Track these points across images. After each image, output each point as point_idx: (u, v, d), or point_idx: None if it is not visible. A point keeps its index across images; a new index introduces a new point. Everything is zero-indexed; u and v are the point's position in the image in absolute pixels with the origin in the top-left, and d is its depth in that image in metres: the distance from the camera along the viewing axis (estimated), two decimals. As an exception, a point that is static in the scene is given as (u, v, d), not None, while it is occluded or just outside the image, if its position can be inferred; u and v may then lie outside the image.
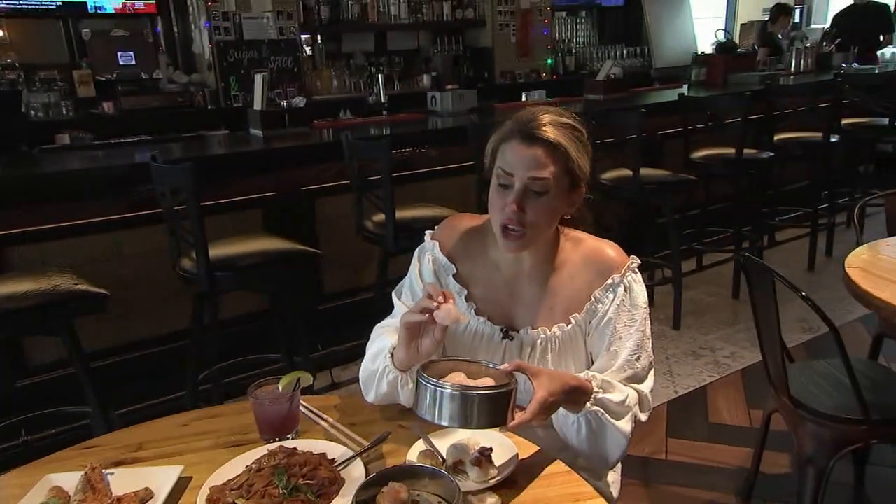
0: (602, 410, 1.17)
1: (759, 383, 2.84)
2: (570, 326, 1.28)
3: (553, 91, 5.02)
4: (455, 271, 1.35)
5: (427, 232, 1.41)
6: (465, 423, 1.01)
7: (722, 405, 2.73)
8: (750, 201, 4.07)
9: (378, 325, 1.37)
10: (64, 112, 4.48)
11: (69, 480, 1.07)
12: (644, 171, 3.29)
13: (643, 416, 1.24)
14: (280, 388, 1.22)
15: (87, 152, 3.52)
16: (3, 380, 2.59)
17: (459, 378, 1.08)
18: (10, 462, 1.19)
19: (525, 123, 1.21)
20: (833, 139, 4.06)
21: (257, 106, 3.35)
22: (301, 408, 1.29)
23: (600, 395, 1.17)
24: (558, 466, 1.10)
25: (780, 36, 6.59)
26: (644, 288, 1.30)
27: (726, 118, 3.82)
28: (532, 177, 1.20)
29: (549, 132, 1.19)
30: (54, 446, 1.24)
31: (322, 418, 1.28)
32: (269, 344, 2.68)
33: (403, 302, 1.37)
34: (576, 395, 1.15)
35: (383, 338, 1.29)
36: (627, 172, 3.30)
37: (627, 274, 1.27)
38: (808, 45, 5.86)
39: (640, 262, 1.31)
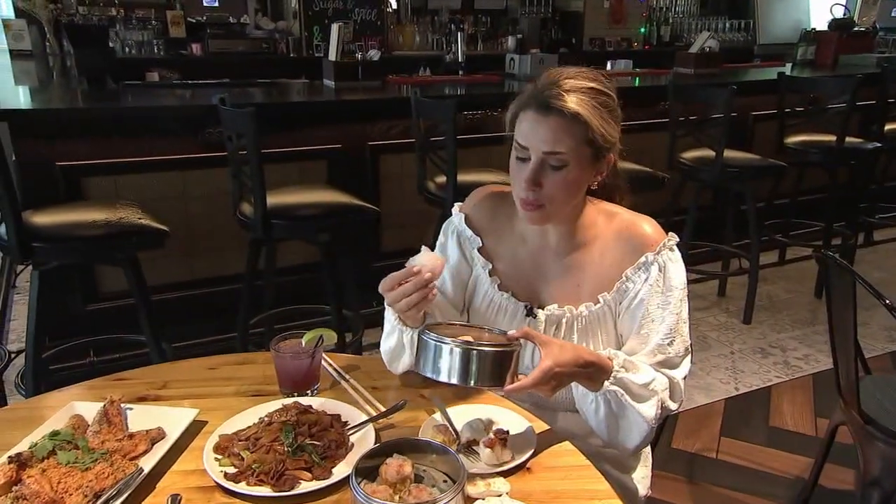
0: (622, 391, 1.10)
1: (831, 390, 2.64)
2: (598, 306, 1.20)
3: (641, 62, 4.78)
4: (480, 244, 1.29)
5: (456, 204, 1.36)
6: (464, 380, 0.98)
7: (786, 409, 2.56)
8: (847, 195, 3.75)
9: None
10: (155, 51, 4.63)
11: (91, 410, 1.09)
12: (729, 153, 3.09)
13: (673, 405, 1.16)
14: (303, 343, 1.20)
15: (168, 91, 3.61)
16: (76, 302, 2.73)
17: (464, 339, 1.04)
18: (79, 379, 1.24)
19: (542, 91, 1.12)
20: (953, 134, 3.66)
21: (332, 57, 3.32)
22: (325, 366, 1.27)
23: (621, 375, 1.10)
24: (577, 459, 1.03)
25: None
26: (682, 267, 1.20)
27: (830, 102, 3.51)
28: (548, 151, 1.11)
29: (568, 101, 1.09)
30: (116, 369, 1.28)
31: (345, 378, 1.26)
32: (320, 296, 2.69)
33: None
34: (593, 372, 1.08)
35: (388, 316, 1.25)
36: (710, 154, 3.10)
37: (663, 252, 1.18)
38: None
39: (678, 239, 1.22)
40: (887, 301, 1.49)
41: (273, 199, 2.28)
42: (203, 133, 2.71)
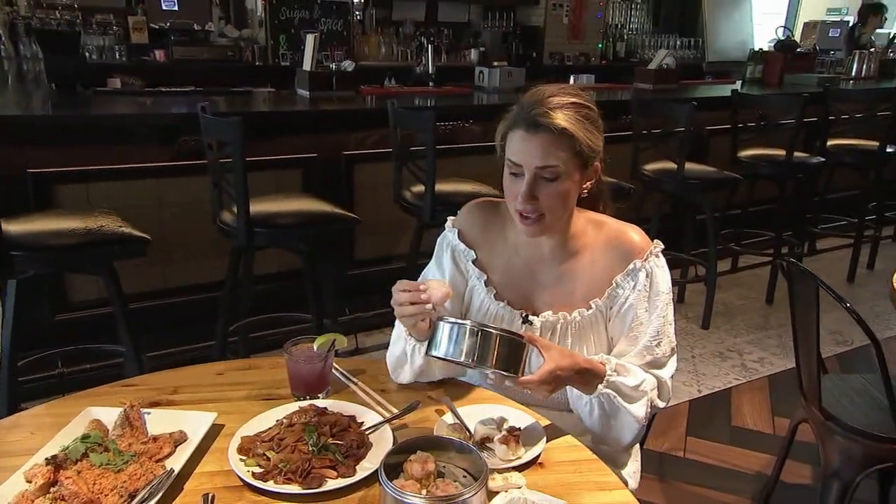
0: (615, 393, 1.17)
1: (786, 391, 2.81)
2: (590, 311, 1.27)
3: (602, 76, 4.94)
4: (475, 257, 1.35)
5: (449, 218, 1.41)
6: (481, 361, 1.04)
7: (746, 409, 2.70)
8: (794, 206, 3.97)
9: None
10: (117, 56, 4.54)
11: (109, 415, 1.10)
12: (688, 165, 3.23)
13: (661, 403, 1.24)
14: (315, 348, 1.23)
15: (138, 98, 3.56)
16: (44, 312, 2.66)
17: None
18: (47, 391, 1.23)
19: (529, 110, 1.19)
20: (889, 149, 3.92)
21: (307, 66, 3.35)
22: (334, 370, 1.30)
23: (613, 378, 1.18)
24: (585, 454, 1.10)
25: (872, 38, 6.22)
26: (667, 273, 1.28)
27: (779, 119, 3.72)
28: (539, 166, 1.18)
29: (555, 118, 1.16)
30: (87, 381, 1.28)
31: (353, 382, 1.29)
32: (300, 303, 2.71)
33: None
34: (588, 377, 1.16)
35: (395, 329, 1.29)
36: (671, 166, 3.24)
37: (650, 259, 1.26)
38: (871, 49, 5.64)
39: (663, 246, 1.29)
40: (848, 304, 1.62)
41: (255, 208, 2.30)
42: (179, 141, 2.70)
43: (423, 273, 1.41)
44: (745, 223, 4.05)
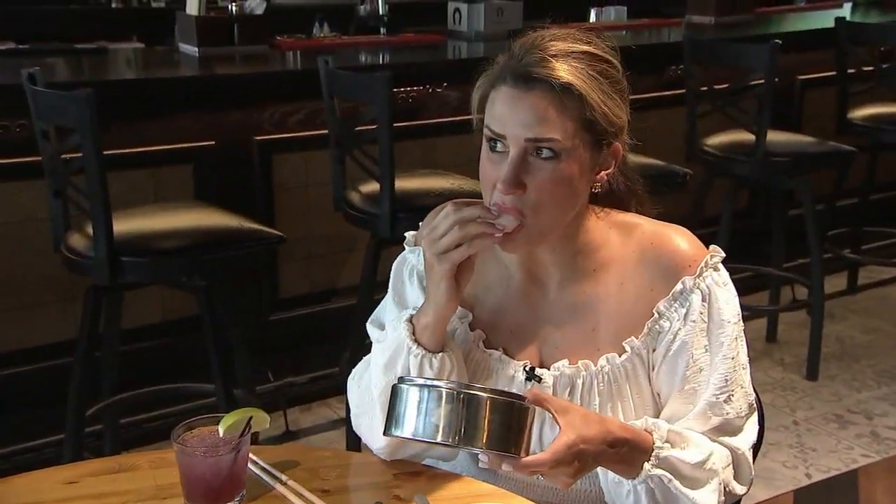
0: (669, 475, 1.17)
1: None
2: (624, 356, 1.28)
3: (638, 7, 4.99)
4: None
5: (408, 234, 1.40)
6: (466, 440, 1.04)
7: (882, 500, 2.72)
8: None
9: (354, 371, 1.39)
10: None
11: None
12: (773, 135, 3.27)
13: (740, 488, 1.25)
14: (221, 433, 1.23)
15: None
16: None
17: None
18: None
19: (520, 58, 1.19)
20: None
21: (192, 10, 3.36)
22: (250, 465, 1.30)
23: (665, 453, 1.18)
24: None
25: None
26: (733, 292, 1.29)
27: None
28: (531, 138, 1.17)
29: (556, 68, 1.16)
30: None
31: (281, 480, 1.29)
32: (196, 369, 2.69)
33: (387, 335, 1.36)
34: (627, 452, 1.16)
35: (384, 343, 1.30)
36: (747, 137, 3.28)
37: (705, 273, 1.26)
38: None
39: (723, 254, 1.30)
40: None
41: (122, 226, 2.30)
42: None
43: (374, 315, 1.41)
44: (866, 219, 4.11)
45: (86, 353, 2.43)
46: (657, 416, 1.28)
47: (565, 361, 1.30)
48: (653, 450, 1.17)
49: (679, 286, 1.26)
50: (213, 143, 3.02)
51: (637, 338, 1.27)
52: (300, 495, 1.26)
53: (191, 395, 2.71)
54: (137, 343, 2.87)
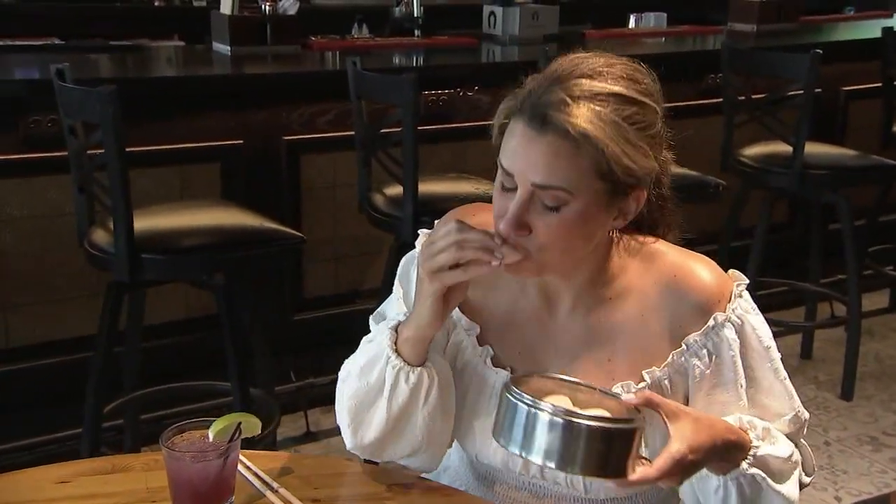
0: (763, 474, 1.17)
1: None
2: (641, 384, 1.25)
3: (679, 13, 4.94)
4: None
5: (421, 231, 1.38)
6: (564, 465, 1.04)
7: (911, 525, 2.66)
8: None
9: (348, 360, 1.36)
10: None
11: None
12: (812, 147, 3.22)
13: (807, 478, 1.28)
14: (210, 437, 1.21)
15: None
16: None
17: (563, 403, 1.09)
18: None
19: (541, 94, 1.13)
20: None
21: (226, 9, 3.38)
22: (241, 470, 1.29)
23: (762, 452, 1.17)
24: None
25: None
26: (761, 316, 1.28)
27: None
28: (538, 183, 1.13)
29: (575, 114, 1.10)
30: None
31: (272, 488, 1.28)
32: (219, 367, 2.70)
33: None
34: (727, 452, 1.15)
35: (381, 335, 1.27)
36: (785, 148, 3.23)
37: (733, 305, 1.25)
38: None
39: (746, 280, 1.29)
40: None
41: (143, 223, 2.30)
42: (25, 123, 2.71)
43: (379, 309, 1.41)
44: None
45: (105, 348, 2.44)
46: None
47: None
48: (750, 448, 1.17)
49: (711, 322, 1.24)
50: (241, 142, 3.03)
51: (658, 369, 1.26)
52: (289, 502, 1.24)
53: (210, 393, 2.72)
54: (160, 339, 2.88)
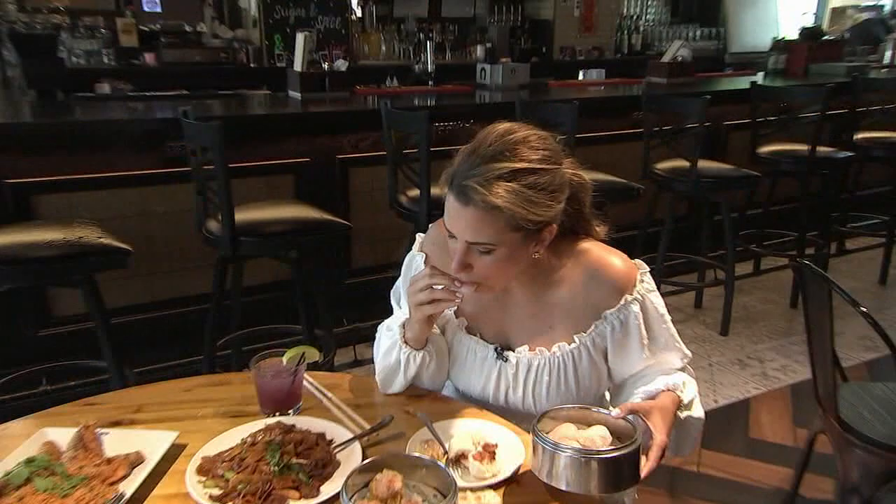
0: (689, 413, 1.20)
1: (808, 401, 2.74)
2: (572, 346, 1.24)
3: (613, 71, 4.92)
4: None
5: (418, 236, 1.38)
6: (588, 489, 0.97)
7: (765, 420, 2.66)
8: (819, 204, 3.91)
9: (381, 325, 1.36)
10: (105, 60, 4.59)
11: (64, 436, 1.10)
12: (703, 163, 3.21)
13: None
14: (284, 362, 1.23)
15: (123, 103, 3.61)
16: (26, 328, 2.69)
17: (569, 432, 1.04)
18: (31, 409, 1.24)
19: (462, 176, 1.08)
20: (923, 142, 3.86)
21: (298, 67, 3.37)
22: (307, 384, 1.30)
23: (685, 401, 1.19)
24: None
25: None
26: (658, 295, 1.26)
27: (801, 112, 3.67)
28: (470, 241, 1.11)
29: (487, 194, 1.06)
30: (72, 398, 1.28)
31: (327, 396, 1.29)
32: (293, 315, 2.71)
33: (402, 307, 1.36)
34: (673, 414, 1.16)
35: (392, 330, 1.29)
36: (684, 164, 3.21)
37: (639, 288, 1.23)
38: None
39: (647, 268, 1.26)
40: (863, 308, 1.59)
41: (241, 216, 2.31)
42: (164, 147, 2.72)
43: (393, 288, 1.40)
44: (768, 223, 4.01)
45: (217, 302, 2.46)
46: (601, 385, 1.29)
47: (526, 347, 1.27)
48: (681, 403, 1.18)
49: (622, 301, 1.22)
50: (309, 159, 3.03)
51: (585, 334, 1.24)
52: (339, 406, 1.26)
53: (288, 333, 2.73)
54: (254, 296, 2.89)
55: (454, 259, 1.14)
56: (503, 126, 1.13)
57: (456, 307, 1.22)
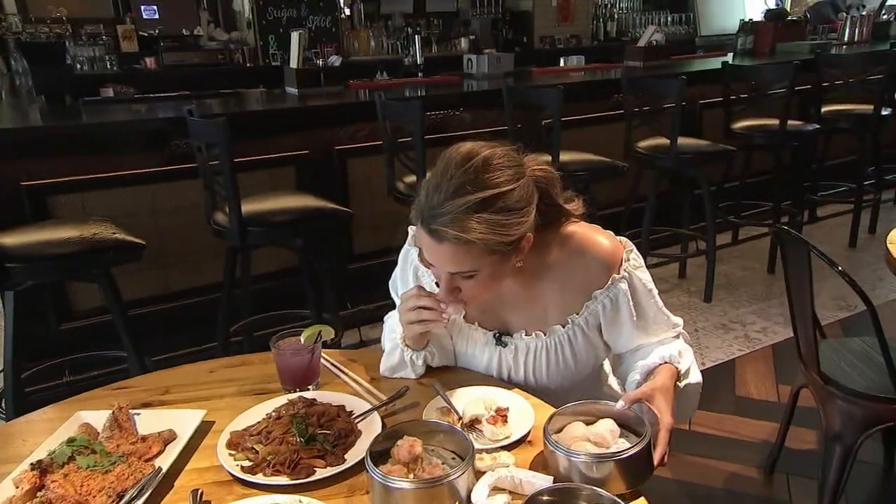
0: (689, 381, 1.20)
1: (789, 359, 2.79)
2: (567, 328, 1.23)
3: (592, 57, 4.89)
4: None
5: (410, 229, 1.30)
6: (608, 489, 0.91)
7: (750, 379, 2.68)
8: (791, 175, 3.93)
9: (387, 317, 1.35)
10: (108, 66, 4.54)
11: (99, 418, 1.10)
12: (682, 140, 3.20)
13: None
14: (302, 341, 1.23)
15: (129, 105, 3.56)
16: (49, 322, 2.68)
17: (579, 431, 1.01)
18: (56, 399, 1.24)
19: (429, 213, 1.04)
20: (885, 112, 3.86)
21: (293, 64, 3.34)
22: (323, 361, 1.30)
23: (682, 370, 1.18)
24: (574, 429, 1.08)
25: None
26: (645, 270, 1.24)
27: (771, 88, 3.66)
28: (451, 272, 1.09)
29: (459, 231, 1.02)
30: (94, 387, 1.27)
31: (343, 372, 1.29)
32: (300, 300, 2.71)
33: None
34: (673, 388, 1.16)
35: (394, 332, 1.28)
36: (664, 142, 3.21)
37: (626, 265, 1.20)
38: (863, 13, 5.56)
39: (633, 245, 1.24)
40: (840, 268, 1.60)
41: (247, 207, 2.29)
42: (170, 146, 2.69)
43: (392, 278, 1.38)
44: (744, 195, 4.01)
45: (228, 290, 2.45)
46: (597, 361, 1.29)
47: (522, 332, 1.26)
48: (679, 374, 1.17)
49: (610, 280, 1.20)
50: (308, 151, 3.00)
51: (578, 315, 1.23)
52: (356, 381, 1.26)
53: (297, 317, 2.72)
54: (265, 283, 2.89)
55: (440, 288, 1.13)
56: (464, 149, 1.07)
57: (445, 325, 1.21)
